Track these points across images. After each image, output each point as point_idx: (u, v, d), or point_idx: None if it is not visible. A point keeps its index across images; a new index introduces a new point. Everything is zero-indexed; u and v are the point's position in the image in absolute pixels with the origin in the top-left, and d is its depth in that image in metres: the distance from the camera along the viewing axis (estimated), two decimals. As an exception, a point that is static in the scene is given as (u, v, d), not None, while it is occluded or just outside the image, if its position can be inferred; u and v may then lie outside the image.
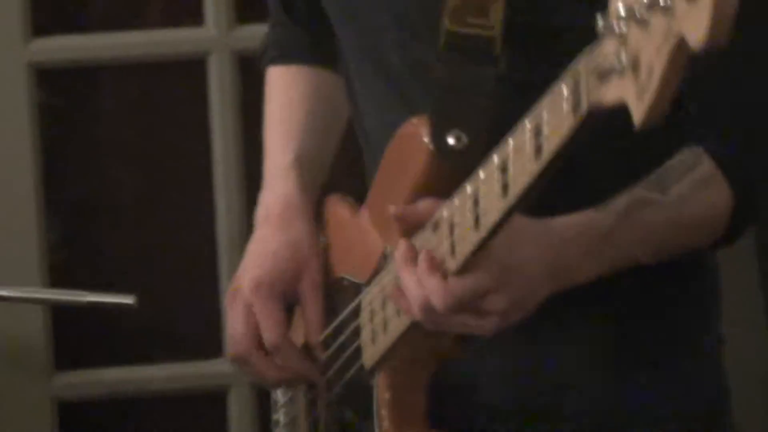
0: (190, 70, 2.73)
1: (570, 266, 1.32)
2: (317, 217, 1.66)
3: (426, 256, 1.31)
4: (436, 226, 1.33)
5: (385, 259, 1.46)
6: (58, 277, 2.75)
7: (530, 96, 1.19)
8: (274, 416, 1.70)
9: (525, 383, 1.45)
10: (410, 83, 1.51)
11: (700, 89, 1.29)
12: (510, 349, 1.42)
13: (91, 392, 2.70)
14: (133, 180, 2.83)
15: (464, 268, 1.26)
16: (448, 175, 1.37)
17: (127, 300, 1.71)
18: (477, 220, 1.25)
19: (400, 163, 1.48)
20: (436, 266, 1.30)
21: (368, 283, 1.47)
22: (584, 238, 1.32)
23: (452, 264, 1.27)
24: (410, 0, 1.51)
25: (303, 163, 1.66)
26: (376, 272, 1.46)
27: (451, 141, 1.37)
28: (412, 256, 1.33)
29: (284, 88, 1.80)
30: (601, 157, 1.36)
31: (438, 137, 1.38)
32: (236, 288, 1.57)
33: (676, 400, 1.47)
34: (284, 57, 1.79)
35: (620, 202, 1.32)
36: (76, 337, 2.69)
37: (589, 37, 1.08)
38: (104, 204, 2.82)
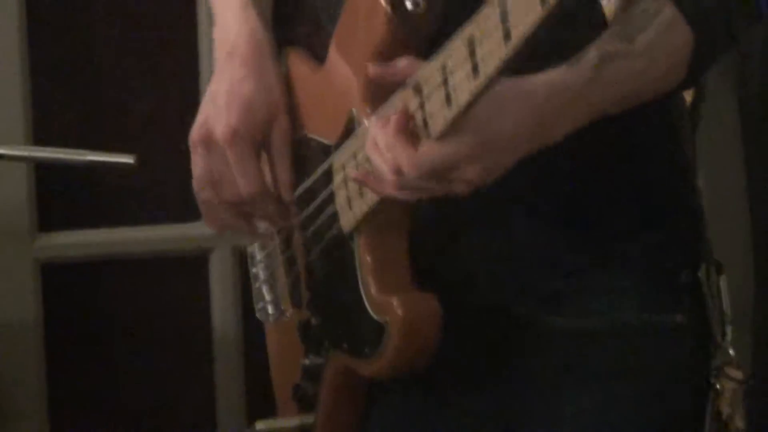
0: None
1: (545, 127, 1.33)
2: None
3: (398, 122, 1.31)
4: (407, 96, 1.33)
5: (351, 122, 1.47)
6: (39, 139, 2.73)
7: None
8: (253, 270, 1.73)
9: (499, 260, 1.49)
10: None
11: None
12: (485, 230, 1.48)
13: (74, 254, 2.72)
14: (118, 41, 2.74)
15: (441, 135, 1.28)
16: (406, 39, 1.40)
17: (128, 159, 1.76)
18: (448, 97, 1.26)
19: (358, 25, 1.50)
20: (409, 132, 1.31)
21: (337, 144, 1.48)
22: (558, 98, 1.32)
23: (426, 133, 1.29)
24: None
25: (254, 5, 1.66)
26: (345, 135, 1.47)
27: (408, 5, 1.38)
28: (384, 124, 1.33)
29: None
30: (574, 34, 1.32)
31: (396, 1, 1.40)
32: (207, 135, 1.53)
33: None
34: None
35: (591, 57, 1.33)
36: (59, 199, 2.70)
37: None
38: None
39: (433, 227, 1.48)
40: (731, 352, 1.66)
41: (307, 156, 1.55)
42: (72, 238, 2.72)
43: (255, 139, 1.49)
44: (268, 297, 1.71)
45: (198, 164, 1.49)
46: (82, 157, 1.83)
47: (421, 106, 1.29)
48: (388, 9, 1.36)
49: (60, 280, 2.70)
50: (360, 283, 1.47)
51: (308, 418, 1.62)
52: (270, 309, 1.70)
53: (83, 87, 2.77)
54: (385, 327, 1.43)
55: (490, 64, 1.18)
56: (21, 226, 2.66)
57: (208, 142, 1.48)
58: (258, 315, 1.71)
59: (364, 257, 1.47)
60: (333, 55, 1.51)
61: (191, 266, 2.79)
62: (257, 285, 1.71)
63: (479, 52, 1.20)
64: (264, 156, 1.54)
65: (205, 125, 1.48)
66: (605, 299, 1.49)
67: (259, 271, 1.72)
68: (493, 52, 1.17)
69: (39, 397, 2.83)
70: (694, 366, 1.52)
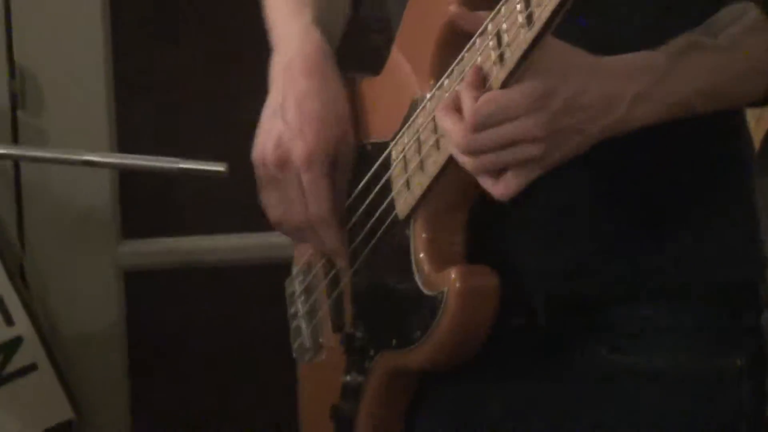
0: None
1: (616, 99, 1.31)
2: None
3: (471, 75, 1.31)
4: (486, 36, 1.32)
5: (414, 108, 1.45)
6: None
7: None
8: (291, 310, 1.74)
9: (566, 248, 1.46)
10: None
11: None
12: (542, 247, 1.46)
13: (157, 261, 2.77)
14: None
15: (508, 82, 1.28)
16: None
17: (219, 167, 1.78)
18: (529, 20, 1.24)
19: (420, 21, 1.49)
20: (479, 80, 1.30)
21: (395, 136, 1.48)
22: (639, 75, 1.32)
23: (500, 77, 1.27)
24: None
25: (319, 27, 1.62)
26: (405, 121, 1.46)
27: None
28: (471, 73, 1.32)
29: None
30: (648, 19, 1.39)
31: None
32: (284, 154, 1.51)
33: (716, 262, 1.50)
34: None
35: (674, 43, 1.33)
36: (142, 206, 2.75)
37: None
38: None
39: (488, 242, 1.46)
40: None
41: (360, 163, 1.55)
42: (155, 246, 2.76)
43: (329, 160, 1.49)
44: (306, 331, 1.69)
45: (269, 184, 1.51)
46: (174, 165, 1.85)
47: (498, 41, 1.28)
48: None
49: (143, 287, 2.75)
50: (414, 265, 1.46)
51: None
52: (307, 343, 1.69)
53: (167, 95, 2.81)
54: (440, 298, 1.42)
55: None
56: (105, 233, 2.70)
57: (285, 164, 1.49)
58: (294, 354, 1.71)
59: (419, 237, 1.46)
60: (394, 54, 1.52)
61: (274, 274, 2.89)
62: (295, 323, 1.70)
63: None
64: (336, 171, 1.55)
65: (280, 146, 1.48)
66: (667, 338, 1.48)
67: (297, 305, 1.70)
68: None
69: (121, 403, 2.86)
70: (751, 410, 1.51)
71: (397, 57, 1.53)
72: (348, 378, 1.59)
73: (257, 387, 2.89)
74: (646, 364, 1.45)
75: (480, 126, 1.25)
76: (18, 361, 2.55)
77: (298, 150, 1.46)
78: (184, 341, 2.89)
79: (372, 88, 1.58)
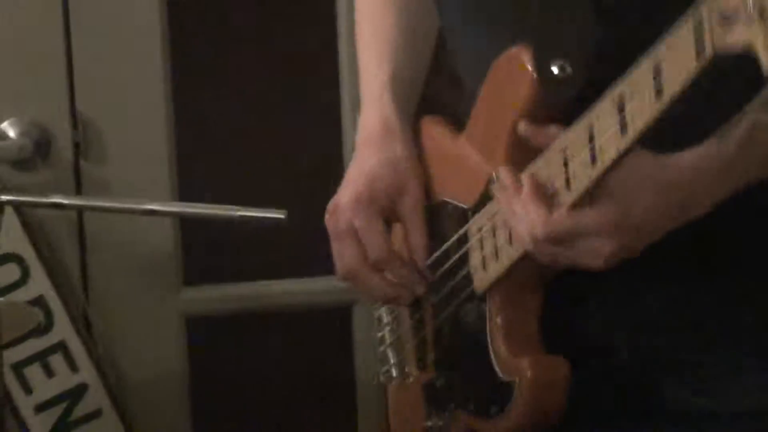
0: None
1: (690, 204, 1.35)
2: (414, 135, 1.74)
3: (533, 183, 1.37)
4: (551, 157, 1.38)
5: (491, 184, 1.50)
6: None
7: (628, 27, 1.34)
8: (379, 334, 1.80)
9: (635, 329, 1.52)
10: (507, 14, 1.56)
11: None
12: (623, 295, 1.50)
13: (218, 307, 2.76)
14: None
15: (579, 203, 1.32)
16: (551, 104, 1.43)
17: (279, 215, 1.85)
18: (593, 157, 1.31)
19: (502, 92, 1.54)
20: (544, 195, 1.36)
21: (474, 208, 1.53)
22: (707, 173, 1.35)
23: (567, 198, 1.33)
24: None
25: (397, 82, 1.71)
26: (483, 198, 1.50)
27: (555, 70, 1.42)
28: (529, 189, 1.38)
29: (377, 6, 1.85)
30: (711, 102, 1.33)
31: (542, 65, 1.44)
32: (335, 206, 1.62)
33: None
34: None
35: (740, 127, 1.33)
36: (203, 252, 2.73)
37: None
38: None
39: (563, 289, 1.51)
40: None
41: (442, 220, 1.61)
42: (216, 292, 2.75)
43: (379, 205, 1.56)
44: (393, 360, 1.75)
45: (333, 233, 1.59)
46: (234, 213, 1.92)
47: (565, 165, 1.34)
48: (535, 74, 1.41)
49: (205, 333, 2.74)
50: (489, 343, 1.52)
51: None
52: (395, 372, 1.75)
53: (227, 143, 2.80)
54: (514, 387, 1.47)
55: (639, 122, 1.22)
56: (167, 280, 2.70)
57: (335, 210, 1.57)
58: (381, 378, 1.77)
59: (494, 318, 1.51)
60: (475, 119, 1.58)
61: (335, 319, 2.82)
62: (383, 348, 1.76)
63: (629, 109, 1.24)
64: (398, 225, 1.62)
65: (335, 199, 1.57)
66: (749, 380, 1.51)
67: (385, 333, 1.77)
68: (644, 109, 1.22)
69: None
70: None
71: (478, 121, 1.59)
72: (430, 423, 1.67)
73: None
74: (733, 409, 1.49)
75: (552, 241, 1.33)
76: (83, 408, 2.58)
77: (345, 197, 1.56)
78: (246, 386, 2.80)
79: (455, 145, 1.63)
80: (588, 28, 1.43)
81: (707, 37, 1.14)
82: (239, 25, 2.76)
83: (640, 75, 1.25)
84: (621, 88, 1.27)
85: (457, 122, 1.67)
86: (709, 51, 1.14)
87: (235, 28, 2.77)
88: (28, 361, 2.54)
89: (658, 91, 1.22)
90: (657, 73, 1.23)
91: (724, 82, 1.26)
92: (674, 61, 1.21)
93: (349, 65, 2.56)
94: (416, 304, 1.69)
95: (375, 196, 1.60)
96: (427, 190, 1.66)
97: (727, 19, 1.11)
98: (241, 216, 1.93)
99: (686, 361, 1.52)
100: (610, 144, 1.28)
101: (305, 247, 2.46)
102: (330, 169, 2.34)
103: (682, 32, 1.18)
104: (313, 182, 2.53)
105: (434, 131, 1.69)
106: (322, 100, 2.73)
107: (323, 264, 2.34)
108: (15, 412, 2.55)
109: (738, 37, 1.10)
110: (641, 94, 1.25)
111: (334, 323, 2.77)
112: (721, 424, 1.49)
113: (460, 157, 1.62)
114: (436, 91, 1.78)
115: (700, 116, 1.32)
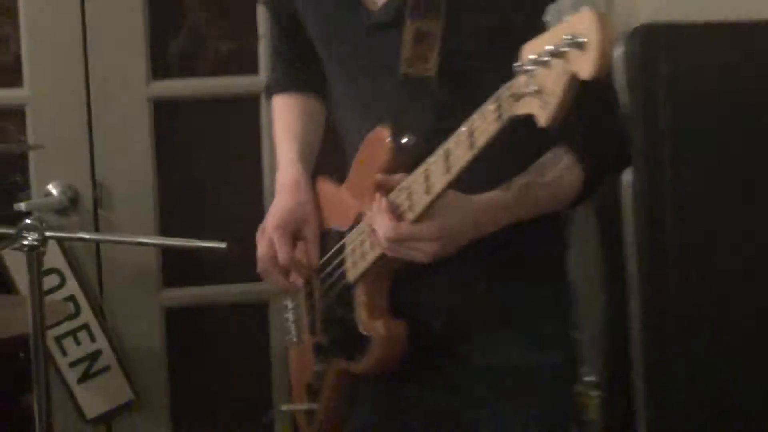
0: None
1: (482, 227, 1.74)
2: (312, 188, 2.06)
3: (390, 207, 1.70)
4: (401, 191, 1.71)
5: (360, 216, 1.87)
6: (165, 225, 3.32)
7: (455, 112, 1.61)
8: (285, 315, 2.19)
9: (455, 295, 1.90)
10: (375, 105, 1.91)
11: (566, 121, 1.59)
12: (444, 282, 1.88)
13: (187, 302, 3.40)
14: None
15: (418, 219, 1.67)
16: (402, 163, 1.78)
17: (221, 244, 2.19)
18: (428, 189, 1.65)
19: (370, 156, 1.88)
20: (397, 215, 1.69)
21: (348, 230, 1.90)
22: (493, 210, 1.76)
23: (410, 216, 1.69)
24: (380, 54, 1.90)
25: (301, 156, 2.09)
26: (355, 224, 1.88)
27: (404, 141, 1.80)
28: (385, 209, 1.69)
29: (285, 110, 2.23)
30: (505, 156, 1.66)
31: (397, 139, 1.80)
32: (264, 229, 1.99)
33: (543, 301, 1.95)
34: (284, 89, 2.24)
35: (517, 183, 1.75)
36: (179, 264, 3.35)
37: (492, 76, 1.51)
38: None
39: (405, 278, 1.87)
40: (588, 379, 2.56)
41: (329, 239, 2.00)
42: (188, 292, 3.40)
43: (290, 230, 1.97)
44: (294, 331, 2.17)
45: (260, 246, 2.00)
46: (190, 243, 2.41)
47: (409, 197, 1.69)
48: (392, 144, 1.81)
49: (178, 320, 3.40)
50: (356, 313, 1.90)
51: (314, 405, 2.12)
52: (295, 339, 2.17)
53: (199, 194, 3.45)
54: (371, 339, 1.85)
55: (457, 165, 1.58)
56: (153, 283, 3.37)
57: (263, 232, 1.99)
58: (286, 342, 2.21)
59: (360, 297, 1.89)
60: (352, 173, 1.96)
61: (259, 308, 3.43)
62: (287, 324, 2.18)
63: (452, 158, 1.60)
64: (301, 243, 1.99)
65: (263, 225, 1.99)
66: (515, 346, 1.93)
67: (289, 315, 2.18)
68: (462, 157, 1.58)
69: (164, 387, 3.35)
70: (570, 390, 2.06)
71: (353, 177, 1.95)
72: (317, 368, 2.06)
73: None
74: (501, 363, 1.92)
75: (398, 242, 1.69)
76: (98, 365, 3.26)
77: (269, 224, 1.96)
78: (204, 354, 3.43)
79: (338, 192, 2.02)
80: (427, 114, 1.81)
81: (504, 107, 1.50)
82: (203, 127, 3.38)
83: (460, 135, 1.59)
84: (448, 144, 1.62)
85: (341, 176, 2.03)
86: (504, 117, 1.51)
87: (199, 130, 3.40)
88: (64, 335, 3.21)
89: (472, 144, 1.58)
90: (471, 134, 1.58)
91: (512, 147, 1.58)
92: (482, 124, 1.57)
93: (269, 150, 3.05)
94: (309, 293, 2.08)
95: (287, 225, 1.98)
96: (320, 221, 2.05)
97: (517, 96, 1.48)
98: (197, 246, 2.35)
99: (478, 330, 1.94)
100: (439, 180, 1.64)
101: (240, 263, 2.55)
102: (254, 210, 2.84)
103: (488, 106, 1.53)
104: (247, 216, 2.67)
105: (325, 185, 2.09)
106: (250, 170, 3.31)
107: (251, 274, 2.39)
108: (55, 367, 3.20)
109: (523, 108, 1.47)
110: (461, 147, 1.60)
111: (259, 311, 3.42)
112: (495, 376, 1.93)
113: (341, 199, 1.99)
114: (329, 156, 2.18)
115: (488, 176, 1.71)
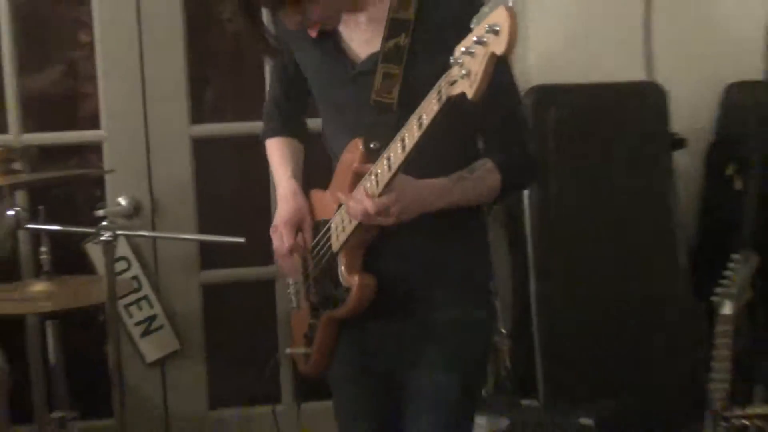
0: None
1: (427, 202, 1.95)
2: (306, 196, 2.26)
3: (363, 189, 1.89)
4: (370, 174, 1.92)
5: (340, 206, 2.07)
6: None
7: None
8: (288, 289, 2.39)
9: (408, 263, 2.12)
10: (356, 125, 2.07)
11: (487, 138, 2.01)
12: (398, 254, 2.09)
13: (219, 281, 3.83)
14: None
15: (382, 194, 1.86)
16: (370, 161, 1.98)
17: (241, 240, 2.51)
18: (389, 167, 1.85)
19: (348, 158, 2.05)
20: (368, 194, 1.89)
21: (332, 218, 2.10)
22: (435, 189, 1.96)
23: (377, 192, 1.87)
24: (360, 92, 2.06)
25: (294, 174, 2.29)
26: (336, 211, 2.09)
27: (372, 146, 2.00)
28: (360, 190, 1.89)
29: (281, 145, 2.40)
30: (445, 161, 1.97)
31: (366, 144, 2.01)
32: (275, 227, 2.19)
33: (471, 261, 2.16)
34: (276, 134, 2.41)
35: (454, 176, 1.96)
36: (211, 253, 3.77)
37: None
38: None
39: (373, 251, 2.09)
40: (503, 330, 3.04)
41: (319, 227, 2.19)
42: (219, 273, 3.84)
43: (292, 225, 2.17)
44: (294, 299, 2.37)
45: (274, 239, 2.20)
46: (219, 238, 2.64)
47: (375, 177, 1.88)
48: (364, 150, 2.01)
49: (213, 293, 3.84)
50: (339, 271, 2.09)
51: (309, 349, 2.31)
52: (294, 304, 2.36)
53: (220, 204, 3.84)
54: (351, 290, 2.05)
55: (410, 144, 1.79)
56: (193, 265, 3.79)
57: (275, 229, 2.20)
58: (289, 309, 2.40)
59: (341, 260, 2.10)
60: (336, 175, 2.14)
61: (267, 285, 3.85)
62: (290, 295, 2.37)
63: (406, 140, 1.82)
64: (300, 233, 2.19)
65: (274, 223, 2.20)
66: (449, 304, 2.13)
67: (291, 289, 2.38)
68: (413, 137, 1.79)
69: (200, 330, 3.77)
70: (490, 339, 2.37)
71: (334, 181, 2.14)
72: (311, 321, 2.25)
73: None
74: (436, 317, 2.13)
75: (369, 212, 1.88)
76: (155, 325, 3.71)
77: (278, 222, 2.18)
78: (231, 315, 3.88)
79: (324, 196, 2.18)
80: (389, 128, 1.96)
81: (443, 92, 1.69)
82: (228, 157, 3.80)
83: (412, 120, 1.79)
84: (403, 132, 1.81)
85: (326, 187, 2.19)
86: (443, 98, 1.69)
87: (226, 159, 3.80)
88: (130, 304, 3.66)
89: (420, 125, 1.77)
90: (419, 117, 1.78)
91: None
92: (428, 107, 1.74)
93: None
94: (305, 268, 2.24)
95: (291, 222, 2.17)
96: (313, 217, 2.24)
97: (451, 82, 1.68)
98: (224, 240, 2.59)
99: (422, 289, 2.12)
100: (398, 158, 1.82)
101: (255, 250, 2.98)
102: (263, 216, 3.18)
103: (432, 94, 1.73)
104: (258, 220, 3.20)
105: (315, 192, 2.25)
106: (261, 188, 3.63)
107: (262, 260, 3.27)
108: (124, 327, 3.61)
109: (456, 89, 1.65)
110: (412, 129, 1.79)
111: (267, 286, 3.86)
112: (440, 326, 2.12)
113: (327, 199, 2.17)
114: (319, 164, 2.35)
115: (432, 166, 1.94)
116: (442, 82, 1.68)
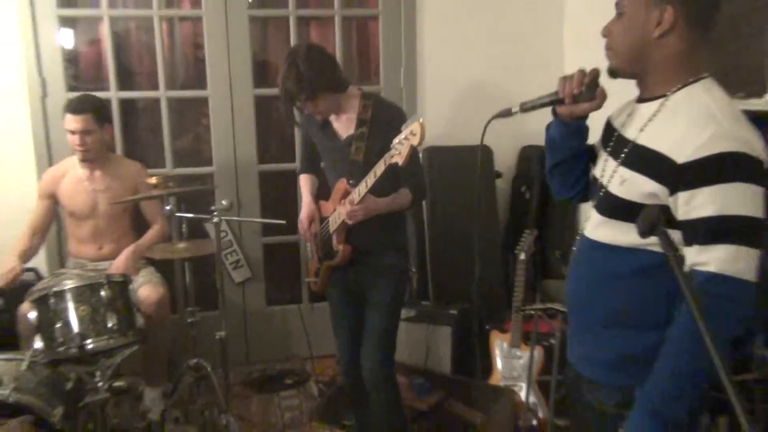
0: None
1: (380, 208, 3.71)
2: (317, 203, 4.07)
3: (347, 202, 3.61)
4: (350, 195, 3.67)
5: (334, 210, 3.88)
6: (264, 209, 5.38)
7: (368, 172, 3.52)
8: (307, 249, 4.30)
9: (368, 238, 3.89)
10: (342, 170, 3.81)
11: (405, 178, 3.80)
12: (366, 231, 3.83)
13: (272, 243, 5.84)
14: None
15: (357, 204, 3.60)
16: (350, 189, 3.77)
17: (282, 222, 4.58)
18: (359, 193, 3.61)
19: (338, 189, 3.90)
20: (350, 204, 3.62)
21: (331, 215, 3.94)
22: (384, 203, 3.65)
23: (355, 202, 3.60)
24: (342, 154, 3.68)
25: (311, 192, 4.20)
26: (331, 213, 3.94)
27: (350, 182, 3.79)
28: (347, 203, 3.53)
29: (304, 179, 4.28)
30: (386, 190, 3.68)
31: (348, 181, 3.79)
32: (300, 219, 4.08)
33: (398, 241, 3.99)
34: (306, 171, 4.27)
35: (391, 196, 3.77)
36: (268, 227, 5.52)
37: (378, 160, 3.42)
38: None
39: (351, 232, 3.85)
40: (413, 269, 5.61)
41: (322, 221, 4.08)
42: (273, 238, 5.77)
43: (309, 219, 4.09)
44: (310, 254, 4.20)
45: (300, 226, 4.13)
46: (270, 220, 4.69)
47: (358, 193, 3.56)
48: (347, 186, 3.79)
49: (269, 250, 5.72)
50: (332, 242, 3.94)
51: (317, 279, 4.17)
52: (310, 256, 4.20)
53: (273, 203, 5.68)
54: (338, 251, 3.91)
55: (372, 180, 3.49)
56: (258, 233, 5.68)
57: (300, 221, 4.12)
58: (308, 258, 4.23)
59: (334, 237, 3.95)
60: (331, 199, 4.00)
61: (295, 246, 5.78)
62: (308, 252, 4.26)
63: (370, 178, 3.53)
64: (314, 223, 4.06)
65: (300, 218, 4.11)
66: (387, 259, 4.00)
67: (308, 247, 4.26)
68: (372, 179, 3.46)
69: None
70: (405, 274, 4.04)
71: (332, 197, 3.97)
72: (318, 266, 4.14)
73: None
74: (381, 263, 3.99)
75: (351, 213, 3.58)
76: (239, 264, 5.87)
77: (302, 217, 4.12)
78: (278, 268, 5.66)
79: (326, 204, 3.99)
80: (358, 174, 3.54)
81: (387, 160, 3.21)
82: (273, 184, 5.47)
83: (371, 172, 3.39)
84: (369, 176, 3.43)
85: (326, 198, 3.99)
86: (387, 163, 3.22)
87: (272, 187, 5.49)
88: (227, 254, 5.82)
89: (375, 174, 3.39)
90: (374, 171, 3.38)
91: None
92: (379, 167, 3.23)
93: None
94: (315, 240, 4.09)
95: (308, 217, 4.03)
96: (320, 215, 4.07)
97: (391, 156, 3.21)
98: (269, 221, 4.67)
99: (371, 250, 3.93)
100: (364, 189, 3.50)
101: (290, 227, 4.53)
102: (294, 210, 5.15)
103: (381, 161, 3.30)
104: (291, 212, 4.96)
105: (322, 202, 4.03)
106: (293, 197, 5.29)
107: (295, 231, 4.47)
108: (224, 264, 5.69)
109: (394, 159, 3.19)
110: (371, 176, 3.43)
111: (295, 247, 5.96)
112: (377, 268, 3.88)
113: (327, 206, 3.95)
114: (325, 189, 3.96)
115: (381, 192, 3.64)
116: (386, 156, 2.92)
